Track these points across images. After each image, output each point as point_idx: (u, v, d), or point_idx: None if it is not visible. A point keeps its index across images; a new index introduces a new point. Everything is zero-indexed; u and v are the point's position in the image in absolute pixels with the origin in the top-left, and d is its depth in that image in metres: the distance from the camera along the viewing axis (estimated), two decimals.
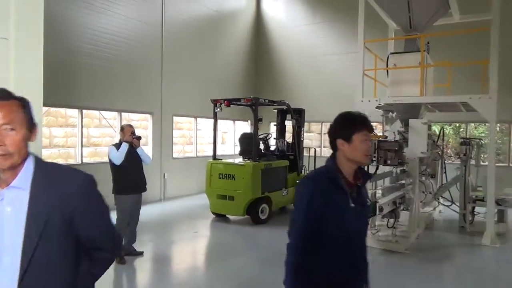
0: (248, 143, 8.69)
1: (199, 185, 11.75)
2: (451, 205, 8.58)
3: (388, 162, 6.79)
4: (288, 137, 10.93)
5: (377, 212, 5.79)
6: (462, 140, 8.69)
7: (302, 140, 10.19)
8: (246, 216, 8.31)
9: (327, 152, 14.60)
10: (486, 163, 9.01)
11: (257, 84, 15.37)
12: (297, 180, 9.68)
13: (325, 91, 14.00)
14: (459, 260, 6.42)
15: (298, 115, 9.95)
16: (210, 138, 13.81)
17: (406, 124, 8.14)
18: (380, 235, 6.97)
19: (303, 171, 10.09)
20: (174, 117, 11.74)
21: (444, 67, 9.27)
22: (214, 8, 13.06)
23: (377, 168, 7.29)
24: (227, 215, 8.81)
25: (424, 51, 7.69)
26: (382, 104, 7.89)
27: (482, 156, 9.15)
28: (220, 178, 8.37)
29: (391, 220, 6.74)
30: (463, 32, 9.30)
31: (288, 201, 9.53)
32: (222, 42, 13.64)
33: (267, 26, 15.33)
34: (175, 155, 11.89)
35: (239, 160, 8.92)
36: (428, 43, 8.17)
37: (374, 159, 6.97)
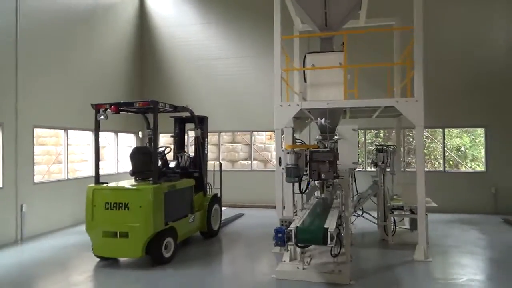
0: (144, 160, 6.73)
1: (73, 215, 9.26)
2: (362, 214, 8.21)
3: (323, 176, 5.71)
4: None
5: (329, 241, 4.57)
6: (378, 147, 8.27)
7: (206, 154, 8.64)
8: (144, 255, 6.32)
9: (225, 166, 13.27)
10: (396, 170, 8.99)
11: (141, 88, 13.31)
12: (204, 201, 8.09)
13: (220, 98, 12.79)
14: (408, 285, 5.66)
15: (202, 124, 8.38)
16: (84, 155, 11.20)
17: (324, 132, 7.35)
18: (314, 263, 5.85)
19: (208, 190, 8.51)
20: (36, 130, 8.96)
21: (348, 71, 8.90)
22: None
23: (308, 184, 6.21)
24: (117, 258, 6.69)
25: (341, 51, 7.02)
26: (303, 108, 6.89)
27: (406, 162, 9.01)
28: (108, 209, 6.21)
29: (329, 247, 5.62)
30: (389, 30, 9.35)
31: (195, 229, 7.83)
32: (98, 39, 11.24)
33: (152, 23, 13.42)
34: (37, 178, 9.08)
35: (130, 182, 6.89)
36: (343, 43, 7.56)
37: (306, 173, 5.85)
